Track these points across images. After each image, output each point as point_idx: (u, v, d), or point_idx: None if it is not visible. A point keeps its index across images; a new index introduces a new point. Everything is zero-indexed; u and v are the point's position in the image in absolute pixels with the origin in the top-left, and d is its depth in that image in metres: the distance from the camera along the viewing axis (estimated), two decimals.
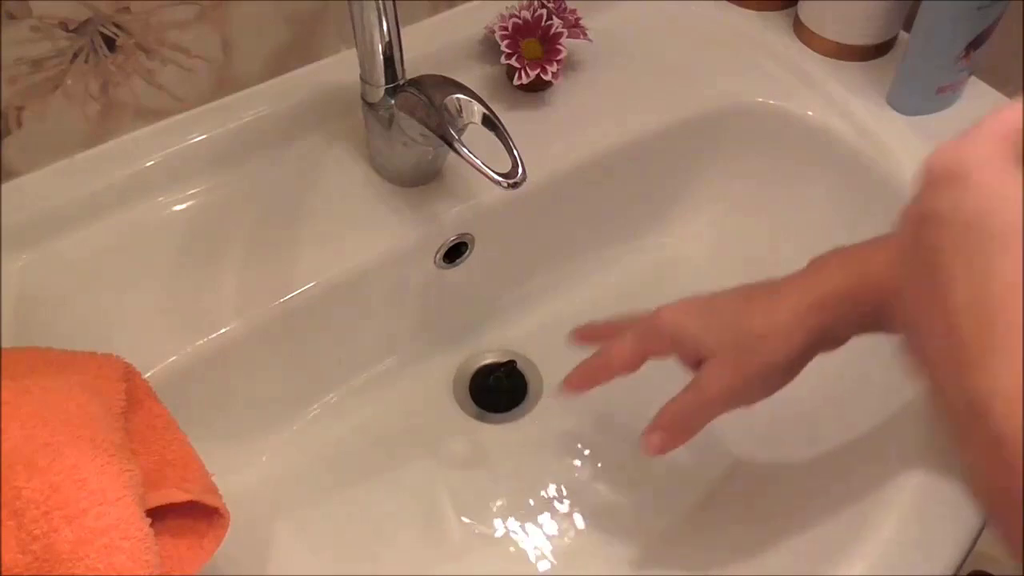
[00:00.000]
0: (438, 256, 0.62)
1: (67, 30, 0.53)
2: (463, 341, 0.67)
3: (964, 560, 0.46)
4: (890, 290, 0.44)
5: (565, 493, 0.61)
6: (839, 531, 0.50)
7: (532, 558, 0.58)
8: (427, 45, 0.65)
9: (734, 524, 0.58)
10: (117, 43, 0.55)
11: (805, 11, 0.71)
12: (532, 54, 0.64)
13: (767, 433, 0.61)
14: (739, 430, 0.61)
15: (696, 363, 0.49)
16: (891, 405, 0.55)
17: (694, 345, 0.49)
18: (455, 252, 0.63)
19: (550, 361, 0.66)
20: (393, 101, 0.56)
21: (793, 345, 0.46)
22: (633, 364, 0.52)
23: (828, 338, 0.47)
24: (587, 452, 0.63)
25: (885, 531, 0.47)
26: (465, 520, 0.60)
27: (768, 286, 0.49)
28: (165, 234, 0.58)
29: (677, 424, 0.49)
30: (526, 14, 0.64)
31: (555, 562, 0.58)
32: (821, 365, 0.61)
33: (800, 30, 0.72)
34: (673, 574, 0.57)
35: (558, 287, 0.69)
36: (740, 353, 0.47)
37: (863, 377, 0.59)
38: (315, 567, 0.56)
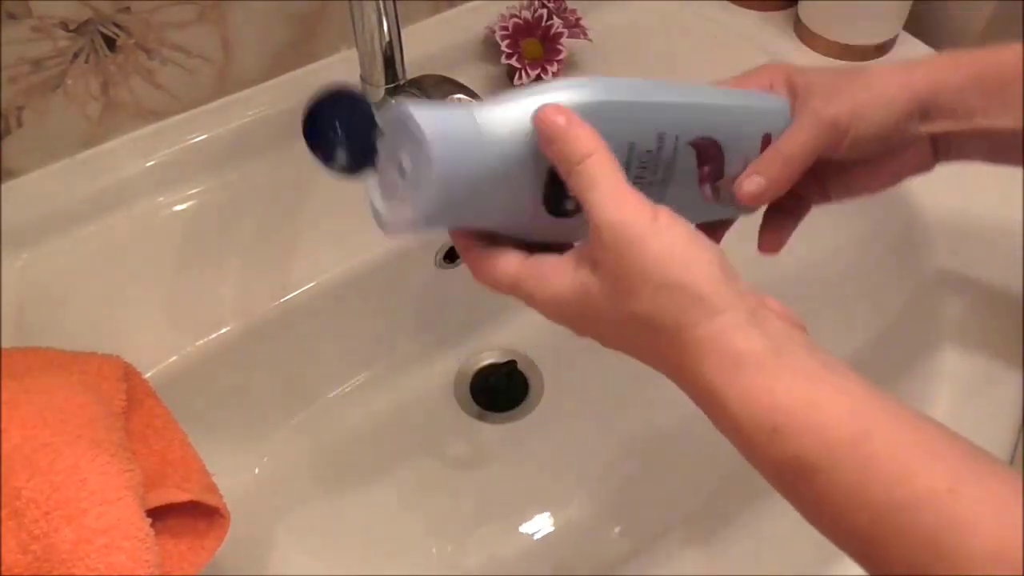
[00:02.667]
0: (438, 256, 0.62)
1: (67, 30, 0.53)
2: (463, 341, 0.67)
3: None
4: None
5: (565, 493, 0.61)
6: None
7: (532, 557, 0.58)
8: (428, 45, 0.65)
9: (736, 522, 0.58)
10: (117, 43, 0.55)
11: (805, 11, 0.71)
12: (532, 54, 0.64)
13: None
14: None
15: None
16: None
17: (797, 76, 0.43)
18: (455, 252, 0.63)
19: (550, 361, 0.66)
20: (393, 101, 0.56)
21: (906, 91, 0.41)
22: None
23: (944, 111, 0.41)
24: (587, 452, 0.63)
25: None
26: (465, 520, 0.60)
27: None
28: (165, 234, 0.58)
29: (771, 160, 0.41)
30: (526, 14, 0.64)
31: (555, 561, 0.58)
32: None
33: (800, 30, 0.72)
34: (674, 574, 0.57)
35: None
36: (847, 83, 0.41)
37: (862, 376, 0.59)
38: (315, 567, 0.56)
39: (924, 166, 0.45)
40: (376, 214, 0.33)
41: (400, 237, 0.33)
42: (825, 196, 0.46)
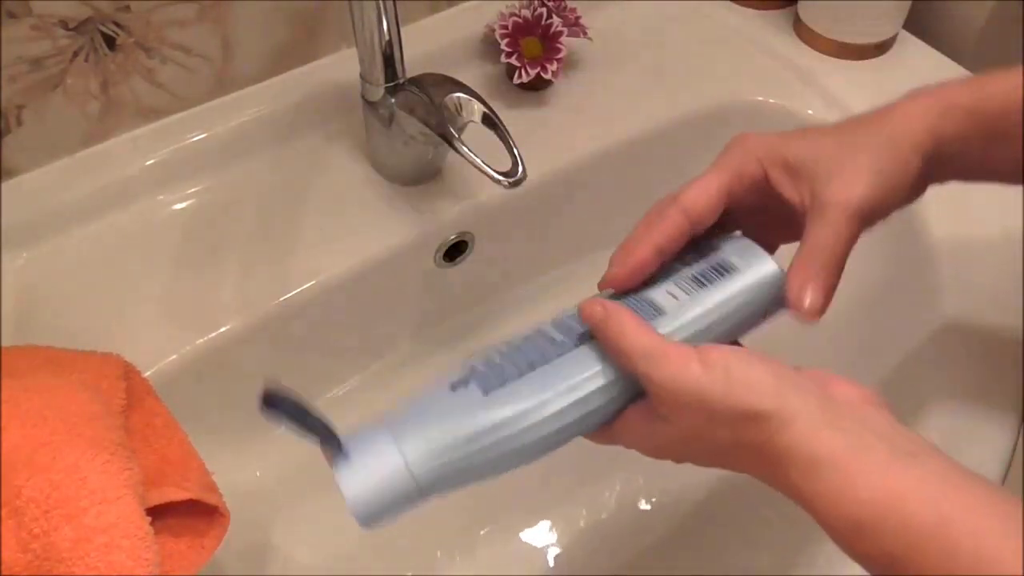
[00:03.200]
0: (438, 255, 0.62)
1: (67, 29, 0.53)
2: (463, 340, 0.67)
3: None
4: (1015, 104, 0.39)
5: (566, 493, 0.61)
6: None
7: (532, 557, 0.58)
8: (427, 44, 0.65)
9: (737, 522, 0.58)
10: (117, 42, 0.55)
11: (805, 10, 0.71)
12: (532, 53, 0.64)
13: None
14: None
15: (794, 194, 0.40)
16: (892, 404, 0.55)
17: (791, 152, 0.40)
18: (455, 251, 0.63)
19: None
20: (393, 100, 0.56)
21: (908, 155, 0.39)
22: (709, 207, 0.40)
23: (944, 160, 0.40)
24: (587, 451, 0.63)
25: None
26: (465, 519, 0.59)
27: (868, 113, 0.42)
28: (165, 233, 0.58)
29: (820, 265, 0.38)
30: (526, 13, 0.64)
31: (555, 561, 0.58)
32: (821, 366, 0.61)
33: (800, 29, 0.72)
34: (675, 574, 0.57)
35: (558, 286, 0.69)
36: (863, 157, 0.39)
37: (863, 377, 0.59)
38: (315, 567, 0.56)
39: (916, 197, 0.43)
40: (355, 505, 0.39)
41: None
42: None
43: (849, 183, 0.38)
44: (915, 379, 0.53)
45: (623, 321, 0.36)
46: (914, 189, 0.41)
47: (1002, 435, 0.49)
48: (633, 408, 0.38)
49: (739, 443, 0.34)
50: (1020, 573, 0.28)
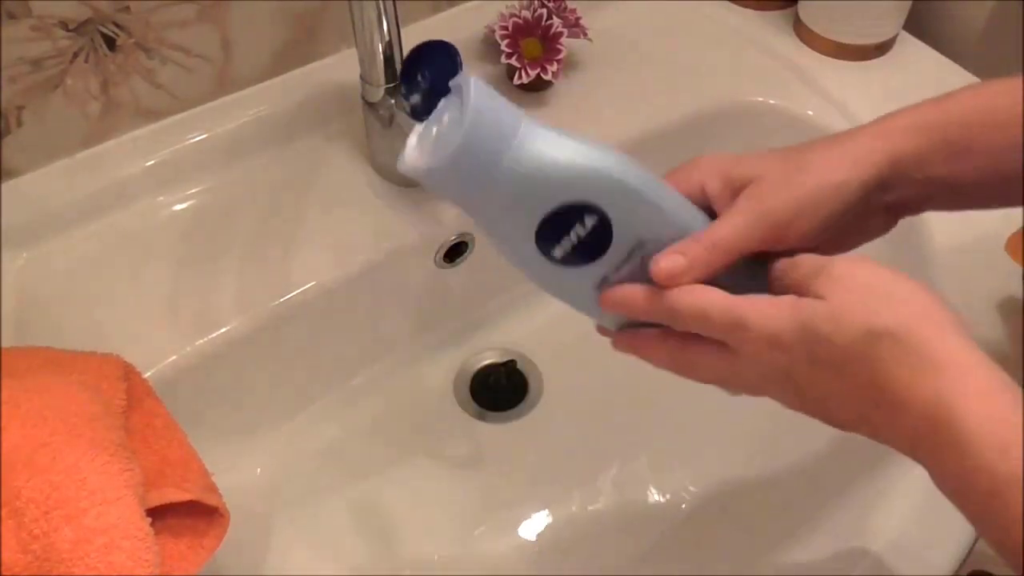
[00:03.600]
0: (438, 256, 0.62)
1: (67, 29, 0.53)
2: (463, 341, 0.67)
3: (964, 560, 0.46)
4: (981, 124, 0.39)
5: (565, 492, 0.61)
6: (840, 532, 0.50)
7: (532, 557, 0.58)
8: None
9: (737, 522, 0.58)
10: (117, 42, 0.55)
11: (805, 11, 0.71)
12: (532, 54, 0.64)
13: (767, 435, 0.60)
14: (741, 429, 0.61)
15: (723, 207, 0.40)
16: None
17: (736, 170, 0.40)
18: (455, 252, 0.63)
19: (550, 361, 0.66)
20: (393, 100, 0.56)
21: (859, 170, 0.38)
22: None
23: (904, 180, 0.39)
24: (587, 451, 0.63)
25: (886, 531, 0.47)
26: (465, 519, 0.59)
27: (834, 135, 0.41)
28: (165, 234, 0.58)
29: (699, 247, 0.37)
30: (526, 14, 0.64)
31: (555, 561, 0.58)
32: None
33: (800, 29, 0.72)
34: (674, 574, 0.57)
35: None
36: (792, 172, 0.38)
37: None
38: (315, 566, 0.56)
39: (886, 228, 0.43)
40: (402, 153, 0.35)
41: (412, 179, 0.35)
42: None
43: (770, 191, 0.38)
44: None
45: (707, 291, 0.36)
46: (856, 210, 0.39)
47: None
48: (711, 346, 0.37)
49: (898, 329, 0.32)
50: None
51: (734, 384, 0.38)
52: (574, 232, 0.36)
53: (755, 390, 0.38)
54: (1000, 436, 0.30)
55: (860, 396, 0.34)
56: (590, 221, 0.36)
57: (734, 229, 0.38)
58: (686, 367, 0.39)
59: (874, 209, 0.41)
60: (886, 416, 0.33)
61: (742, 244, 0.38)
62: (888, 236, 0.60)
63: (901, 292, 0.34)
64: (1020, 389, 0.32)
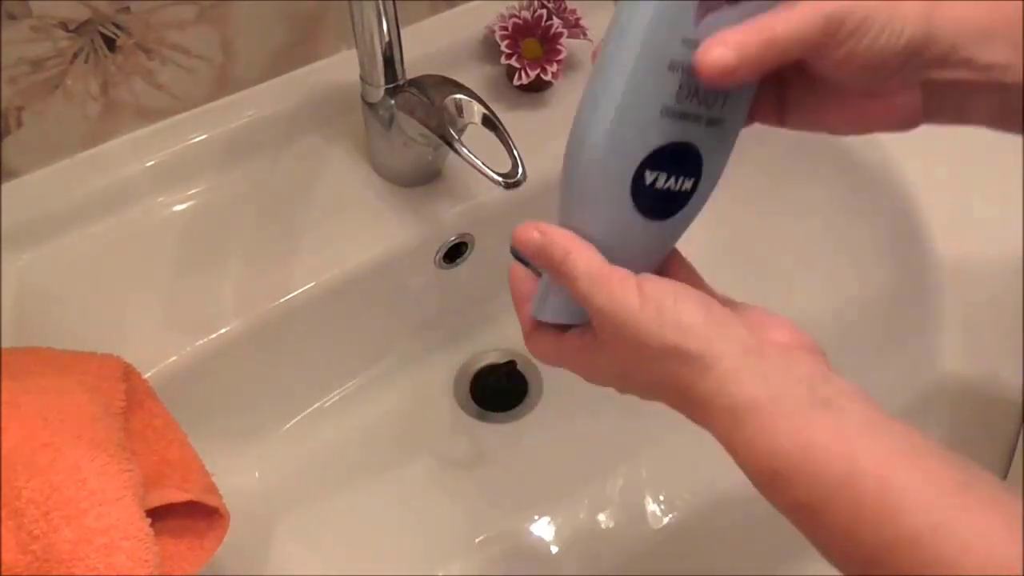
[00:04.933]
0: (438, 256, 0.62)
1: (67, 30, 0.53)
2: (463, 341, 0.67)
3: None
4: None
5: (565, 493, 0.61)
6: None
7: (532, 557, 0.58)
8: (427, 45, 0.65)
9: (737, 521, 0.58)
10: (117, 43, 0.55)
11: None
12: (532, 54, 0.64)
13: None
14: None
15: None
16: (892, 406, 0.55)
17: None
18: (455, 252, 0.63)
19: None
20: (393, 101, 0.56)
21: (910, 20, 0.33)
22: None
23: (948, 60, 0.34)
24: (587, 452, 0.63)
25: None
26: (465, 520, 0.59)
27: None
28: (165, 234, 0.58)
29: (751, 40, 0.32)
30: (526, 14, 0.64)
31: (555, 561, 0.58)
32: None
33: None
34: (674, 574, 0.57)
35: None
36: None
37: (863, 379, 0.59)
38: (314, 567, 0.56)
39: (907, 121, 0.37)
40: None
41: None
42: (777, 118, 0.39)
43: None
44: (914, 381, 0.53)
45: (566, 244, 0.35)
46: (901, 64, 0.34)
47: (1002, 435, 0.49)
48: (577, 332, 0.38)
49: (667, 381, 0.34)
50: (923, 520, 0.28)
51: (593, 375, 0.39)
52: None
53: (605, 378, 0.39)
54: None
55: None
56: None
57: (796, 26, 0.32)
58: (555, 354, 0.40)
59: (912, 82, 0.35)
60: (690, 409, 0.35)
61: (798, 44, 0.33)
62: (890, 247, 0.61)
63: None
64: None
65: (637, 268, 0.37)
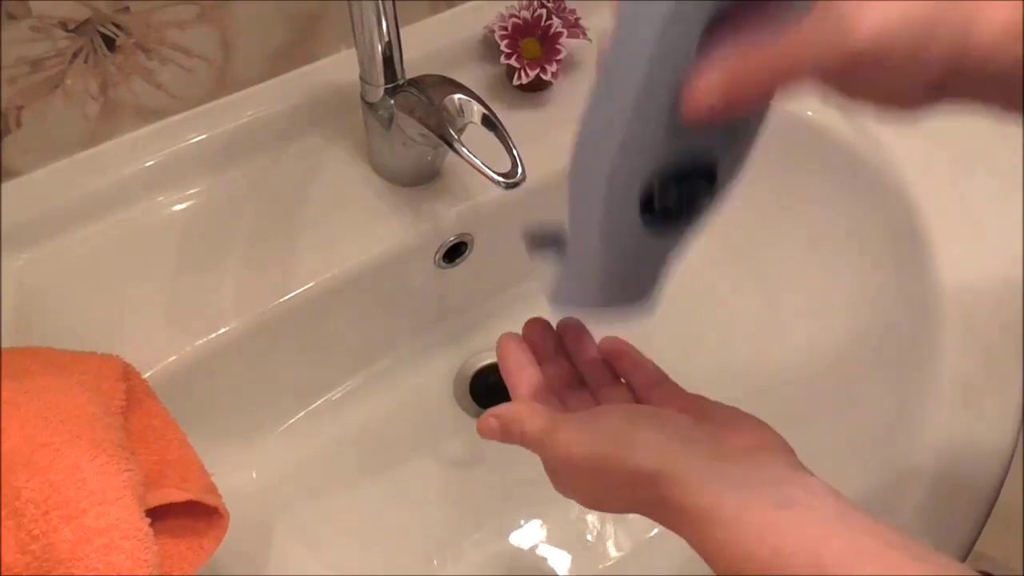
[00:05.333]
0: (438, 256, 0.62)
1: (67, 30, 0.53)
2: (463, 341, 0.67)
3: (964, 560, 0.46)
4: None
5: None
6: None
7: (532, 557, 0.58)
8: (427, 45, 0.65)
9: None
10: (117, 43, 0.55)
11: None
12: (532, 54, 0.64)
13: None
14: None
15: None
16: (891, 407, 0.55)
17: None
18: (455, 252, 0.63)
19: None
20: (393, 101, 0.56)
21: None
22: None
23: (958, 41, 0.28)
24: None
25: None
26: (464, 519, 0.60)
27: None
28: (165, 234, 0.58)
29: (745, 65, 0.29)
30: (526, 14, 0.64)
31: (554, 561, 0.58)
32: (820, 371, 0.61)
33: None
34: (674, 574, 0.57)
35: None
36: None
37: (863, 378, 0.59)
38: (314, 567, 0.56)
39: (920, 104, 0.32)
40: None
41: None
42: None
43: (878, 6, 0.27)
44: (914, 381, 0.53)
45: (518, 419, 0.40)
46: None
47: (1002, 435, 0.49)
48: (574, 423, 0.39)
49: (638, 499, 0.36)
50: None
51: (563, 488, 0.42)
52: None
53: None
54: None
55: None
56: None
57: (806, 54, 0.28)
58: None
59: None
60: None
61: (807, 72, 0.29)
62: (895, 265, 0.61)
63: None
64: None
65: (640, 282, 0.38)
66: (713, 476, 0.34)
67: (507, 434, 0.41)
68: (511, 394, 0.43)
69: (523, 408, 0.40)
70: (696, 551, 0.34)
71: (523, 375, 0.43)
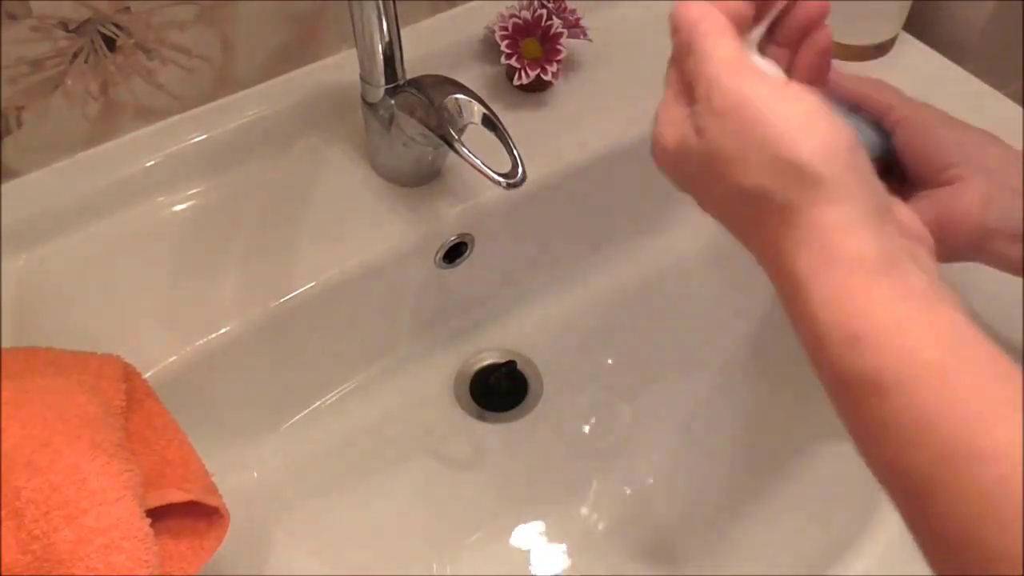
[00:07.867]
0: (438, 256, 0.62)
1: (67, 30, 0.53)
2: (463, 341, 0.67)
3: None
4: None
5: (565, 493, 0.61)
6: (840, 531, 0.50)
7: (532, 558, 0.58)
8: (427, 45, 0.65)
9: (737, 522, 0.58)
10: (117, 43, 0.55)
11: None
12: (532, 54, 0.64)
13: (767, 437, 0.61)
14: (742, 432, 0.61)
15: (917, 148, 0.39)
16: None
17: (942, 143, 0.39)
18: (455, 252, 0.63)
19: (550, 361, 0.66)
20: (393, 101, 0.56)
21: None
22: None
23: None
24: (587, 452, 0.63)
25: (886, 531, 0.47)
26: (465, 520, 0.60)
27: None
28: (165, 234, 0.58)
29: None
30: (526, 14, 0.64)
31: (555, 562, 0.58)
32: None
33: None
34: (675, 574, 0.57)
35: (558, 287, 0.69)
36: (971, 155, 0.39)
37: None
38: (314, 567, 0.56)
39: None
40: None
41: None
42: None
43: (968, 175, 0.36)
44: None
45: (720, 24, 0.33)
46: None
47: None
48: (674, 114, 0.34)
49: (762, 194, 0.30)
50: (1008, 447, 0.25)
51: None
52: None
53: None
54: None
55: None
56: None
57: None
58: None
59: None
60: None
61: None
62: None
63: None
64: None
65: None
66: (871, 223, 0.29)
67: (695, 32, 0.33)
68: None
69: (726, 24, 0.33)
70: (791, 286, 0.30)
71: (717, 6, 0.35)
